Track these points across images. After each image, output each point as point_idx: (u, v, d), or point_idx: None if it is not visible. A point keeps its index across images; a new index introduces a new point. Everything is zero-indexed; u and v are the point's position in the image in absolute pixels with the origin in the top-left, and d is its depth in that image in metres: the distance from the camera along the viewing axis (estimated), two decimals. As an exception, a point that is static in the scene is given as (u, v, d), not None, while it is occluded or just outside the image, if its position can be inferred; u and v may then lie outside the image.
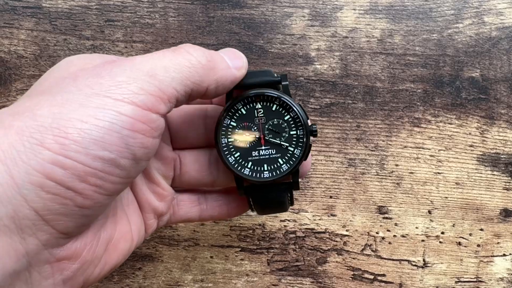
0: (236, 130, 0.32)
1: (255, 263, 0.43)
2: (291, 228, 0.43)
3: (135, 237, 0.31)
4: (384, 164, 0.43)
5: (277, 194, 0.33)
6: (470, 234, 0.43)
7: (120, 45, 0.43)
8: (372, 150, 0.43)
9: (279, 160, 0.32)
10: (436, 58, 0.43)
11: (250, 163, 0.32)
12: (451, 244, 0.43)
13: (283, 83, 0.33)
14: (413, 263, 0.43)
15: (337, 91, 0.43)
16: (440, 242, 0.43)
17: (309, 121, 0.33)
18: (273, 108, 0.32)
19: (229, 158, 0.32)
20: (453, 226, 0.43)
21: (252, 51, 0.43)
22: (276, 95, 0.32)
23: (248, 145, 0.32)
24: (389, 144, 0.43)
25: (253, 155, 0.32)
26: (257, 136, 0.32)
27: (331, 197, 0.43)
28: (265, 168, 0.32)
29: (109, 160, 0.25)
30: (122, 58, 0.28)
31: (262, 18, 0.43)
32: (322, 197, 0.43)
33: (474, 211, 0.43)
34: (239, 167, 0.32)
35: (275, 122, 0.32)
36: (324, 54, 0.43)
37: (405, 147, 0.43)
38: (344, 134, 0.43)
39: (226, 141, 0.32)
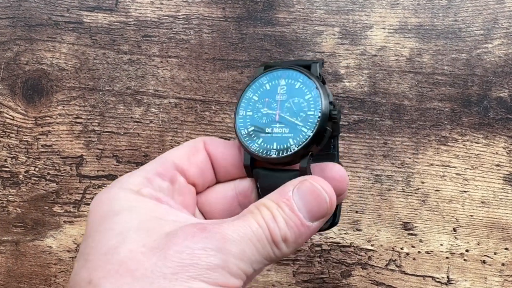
0: (257, 104, 0.31)
1: (281, 274, 0.44)
2: (317, 241, 0.44)
3: None
4: (410, 181, 0.44)
5: (282, 180, 0.29)
6: (495, 253, 0.43)
7: (156, 60, 0.45)
8: (398, 167, 0.44)
9: (290, 140, 0.30)
10: (465, 78, 0.44)
11: (261, 139, 0.30)
12: (475, 262, 0.43)
13: (312, 64, 0.31)
14: (437, 280, 0.44)
15: (365, 108, 0.44)
16: (464, 259, 0.43)
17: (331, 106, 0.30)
18: (296, 86, 0.30)
19: (242, 131, 0.31)
20: (478, 244, 0.43)
21: (282, 67, 0.44)
22: (300, 71, 0.30)
23: (264, 121, 0.31)
24: (416, 162, 0.44)
25: (266, 131, 0.30)
26: (274, 112, 0.31)
27: (357, 212, 0.44)
28: (274, 147, 0.30)
29: None
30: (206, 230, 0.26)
31: (293, 36, 0.45)
32: (348, 212, 0.44)
33: (500, 230, 0.43)
34: (249, 141, 0.31)
35: (295, 101, 0.30)
36: (353, 71, 0.44)
37: (432, 165, 0.44)
38: (371, 151, 0.44)
39: (244, 114, 0.31)
